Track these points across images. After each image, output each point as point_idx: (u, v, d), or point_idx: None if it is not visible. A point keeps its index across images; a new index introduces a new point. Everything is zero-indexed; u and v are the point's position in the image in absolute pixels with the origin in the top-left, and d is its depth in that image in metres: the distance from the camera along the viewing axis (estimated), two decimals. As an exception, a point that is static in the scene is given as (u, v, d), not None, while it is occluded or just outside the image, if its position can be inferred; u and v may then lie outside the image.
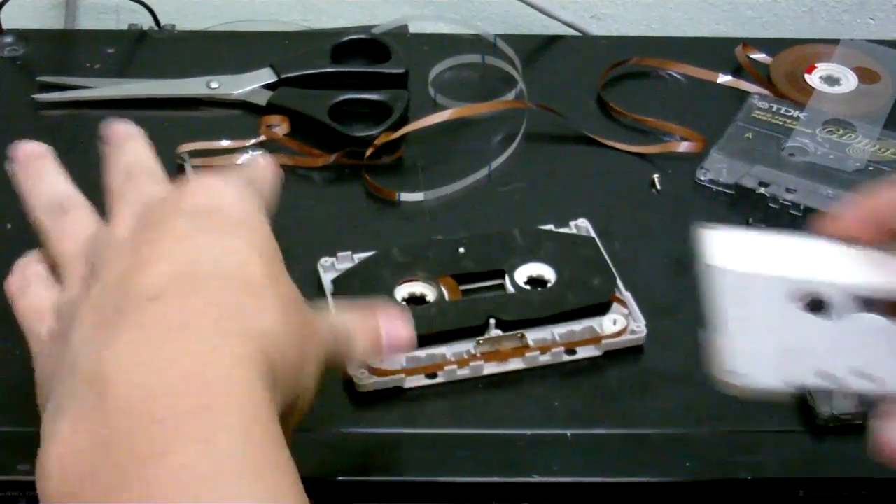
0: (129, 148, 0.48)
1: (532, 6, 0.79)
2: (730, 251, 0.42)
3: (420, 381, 0.51)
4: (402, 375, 0.51)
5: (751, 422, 0.50)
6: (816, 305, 0.41)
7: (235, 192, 0.42)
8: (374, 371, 0.50)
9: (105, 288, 0.39)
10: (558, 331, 0.52)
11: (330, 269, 0.55)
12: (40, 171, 0.48)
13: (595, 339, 0.52)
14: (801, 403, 0.51)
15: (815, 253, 0.42)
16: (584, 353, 0.52)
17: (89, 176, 0.63)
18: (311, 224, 0.60)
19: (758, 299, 0.41)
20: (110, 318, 0.37)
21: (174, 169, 0.62)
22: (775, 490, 0.49)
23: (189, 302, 0.37)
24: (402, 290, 0.53)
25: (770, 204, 0.61)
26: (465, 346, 0.51)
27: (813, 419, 0.50)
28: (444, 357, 0.51)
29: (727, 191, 0.62)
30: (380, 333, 0.44)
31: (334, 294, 0.54)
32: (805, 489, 0.49)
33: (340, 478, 0.48)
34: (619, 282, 0.54)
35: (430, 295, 0.53)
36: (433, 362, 0.51)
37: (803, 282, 0.41)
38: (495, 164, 0.63)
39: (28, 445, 0.48)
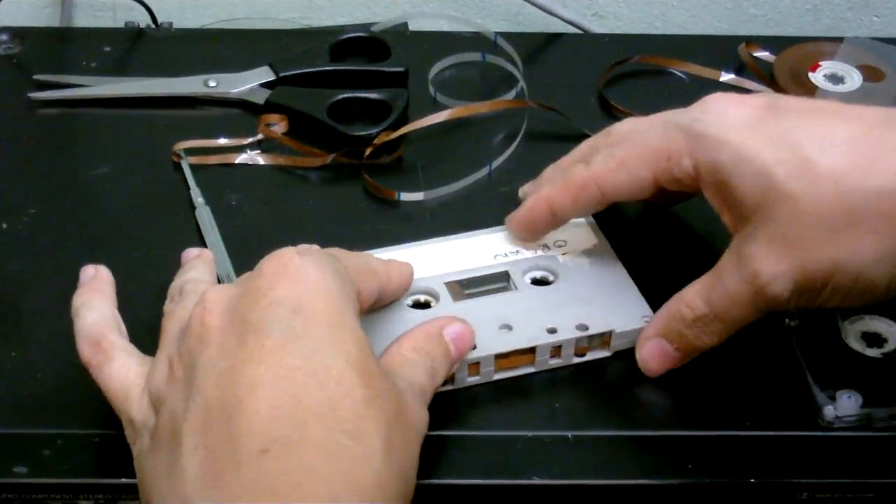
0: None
1: (533, 4, 0.79)
2: None
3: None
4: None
5: (753, 424, 0.50)
6: (421, 304, 0.52)
7: (320, 281, 0.42)
8: None
9: (208, 412, 0.39)
10: (570, 335, 0.51)
11: None
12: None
13: (606, 342, 0.52)
14: (805, 405, 0.50)
15: (423, 255, 0.54)
16: (593, 355, 0.52)
17: (85, 174, 0.63)
18: (309, 224, 0.60)
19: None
20: (221, 467, 0.38)
21: (172, 168, 0.62)
22: (778, 492, 0.49)
23: (298, 455, 0.38)
24: (407, 297, 0.53)
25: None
26: (473, 354, 0.50)
27: (816, 421, 0.50)
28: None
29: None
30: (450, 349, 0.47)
31: None
32: (808, 491, 0.49)
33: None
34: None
35: (434, 300, 0.53)
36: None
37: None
38: (496, 163, 0.63)
39: (24, 447, 0.48)
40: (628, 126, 0.54)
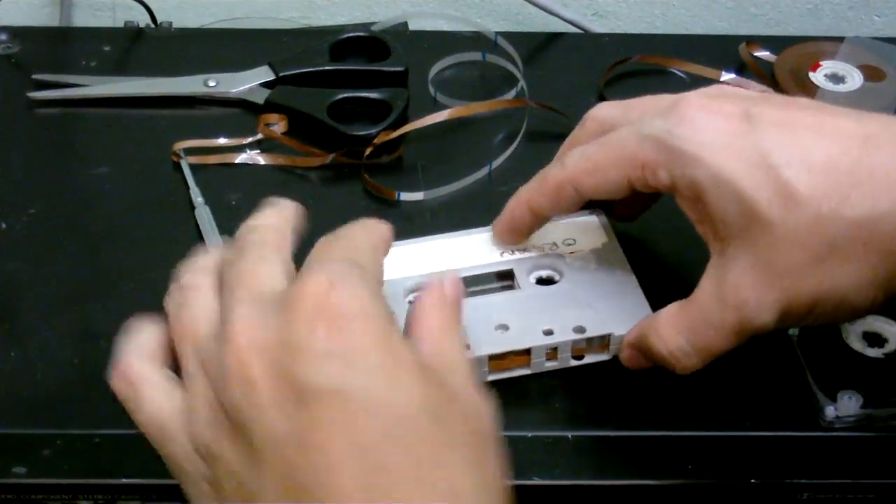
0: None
1: (533, 3, 0.79)
2: None
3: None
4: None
5: (754, 424, 0.50)
6: None
7: (360, 312, 0.38)
8: None
9: (289, 493, 0.37)
10: (567, 337, 0.50)
11: None
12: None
13: (604, 346, 0.51)
14: (806, 405, 0.50)
15: (426, 251, 0.54)
16: (591, 358, 0.51)
17: (84, 174, 0.63)
18: (309, 224, 0.59)
19: None
20: None
21: (171, 168, 0.62)
22: (779, 493, 0.49)
23: None
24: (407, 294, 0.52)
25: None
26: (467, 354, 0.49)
27: (817, 421, 0.50)
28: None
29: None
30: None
31: None
32: (809, 492, 0.49)
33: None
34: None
35: None
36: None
37: (408, 278, 0.52)
38: (496, 163, 0.63)
39: (23, 448, 0.48)
40: (603, 113, 0.52)
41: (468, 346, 0.49)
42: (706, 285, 0.47)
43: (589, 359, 0.51)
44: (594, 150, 0.49)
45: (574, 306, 0.51)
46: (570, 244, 0.54)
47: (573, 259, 0.53)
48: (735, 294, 0.45)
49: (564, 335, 0.50)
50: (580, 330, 0.50)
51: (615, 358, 0.51)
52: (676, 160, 0.46)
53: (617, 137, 0.49)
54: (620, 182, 0.48)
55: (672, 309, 0.48)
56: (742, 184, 0.45)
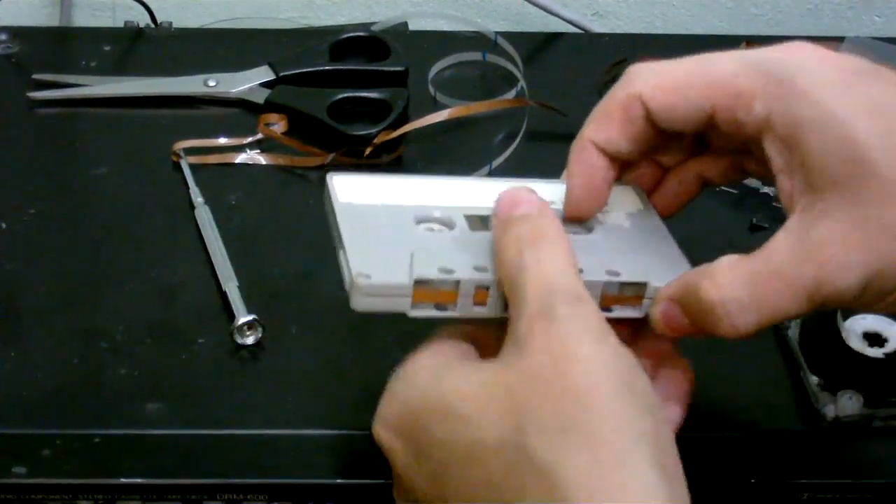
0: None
1: (533, 3, 0.79)
2: (355, 190, 0.45)
3: (429, 310, 0.43)
4: (408, 299, 0.43)
5: (754, 424, 0.50)
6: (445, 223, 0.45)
7: (605, 381, 0.38)
8: (375, 289, 0.43)
9: None
10: (598, 278, 0.44)
11: None
12: None
13: (638, 298, 0.44)
14: (806, 405, 0.50)
15: (438, 187, 0.47)
16: (621, 312, 0.44)
17: (84, 174, 0.63)
18: (310, 224, 0.60)
19: (382, 223, 0.44)
20: None
21: (171, 168, 0.62)
22: (779, 493, 0.49)
23: None
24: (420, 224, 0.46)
25: (774, 203, 0.60)
26: (487, 276, 0.43)
27: (817, 421, 0.50)
28: (459, 285, 0.43)
29: (731, 190, 0.61)
30: None
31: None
32: (809, 492, 0.49)
33: (339, 480, 0.48)
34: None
35: (447, 228, 0.46)
36: (445, 289, 0.43)
37: (422, 207, 0.45)
38: (496, 163, 0.63)
39: (23, 448, 0.48)
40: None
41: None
42: (782, 239, 0.41)
43: (618, 312, 0.44)
44: (670, 67, 0.44)
45: (607, 253, 0.45)
46: (604, 212, 0.48)
47: (606, 217, 0.47)
48: (819, 249, 0.40)
49: (596, 275, 0.44)
50: (614, 273, 0.44)
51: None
52: (781, 92, 0.41)
53: (709, 58, 0.43)
54: (701, 108, 0.43)
55: (732, 258, 0.41)
56: (855, 126, 0.40)
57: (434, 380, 0.41)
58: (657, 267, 0.44)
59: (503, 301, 0.43)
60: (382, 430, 0.42)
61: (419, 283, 0.42)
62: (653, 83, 0.43)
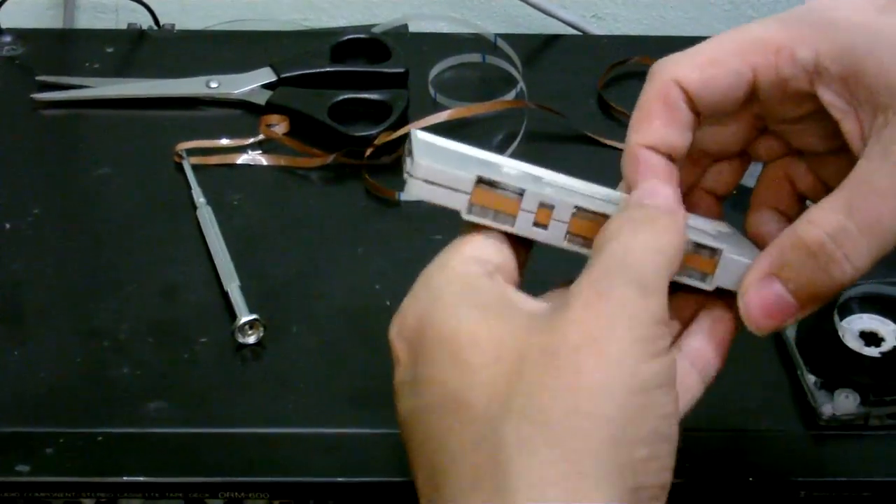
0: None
1: (532, 5, 0.79)
2: (436, 139, 0.43)
3: (485, 217, 0.40)
4: (466, 196, 0.40)
5: (752, 423, 0.50)
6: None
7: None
8: (434, 173, 0.40)
9: None
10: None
11: None
12: None
13: (710, 265, 0.41)
14: (803, 404, 0.50)
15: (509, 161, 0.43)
16: (687, 278, 0.41)
17: (88, 175, 0.64)
18: (310, 224, 0.60)
19: (453, 152, 0.42)
20: None
21: (173, 168, 0.62)
22: (776, 491, 0.49)
23: None
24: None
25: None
26: (553, 194, 0.40)
27: (814, 420, 0.50)
28: (524, 196, 0.40)
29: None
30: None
31: None
32: (806, 490, 0.49)
33: (340, 478, 0.48)
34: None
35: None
36: (507, 197, 0.40)
37: (492, 163, 0.42)
38: (495, 163, 0.63)
39: (27, 446, 0.48)
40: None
41: None
42: (865, 164, 0.39)
43: (683, 277, 0.41)
44: (697, 47, 0.42)
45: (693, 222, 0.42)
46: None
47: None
48: None
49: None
50: (694, 231, 0.41)
51: None
52: (825, 30, 0.40)
53: (735, 29, 0.42)
54: (742, 75, 0.41)
55: (819, 202, 0.39)
56: None
57: (459, 307, 0.38)
58: (731, 241, 0.42)
59: (566, 229, 0.40)
60: (396, 336, 0.40)
61: (482, 183, 0.39)
62: (685, 64, 0.42)
